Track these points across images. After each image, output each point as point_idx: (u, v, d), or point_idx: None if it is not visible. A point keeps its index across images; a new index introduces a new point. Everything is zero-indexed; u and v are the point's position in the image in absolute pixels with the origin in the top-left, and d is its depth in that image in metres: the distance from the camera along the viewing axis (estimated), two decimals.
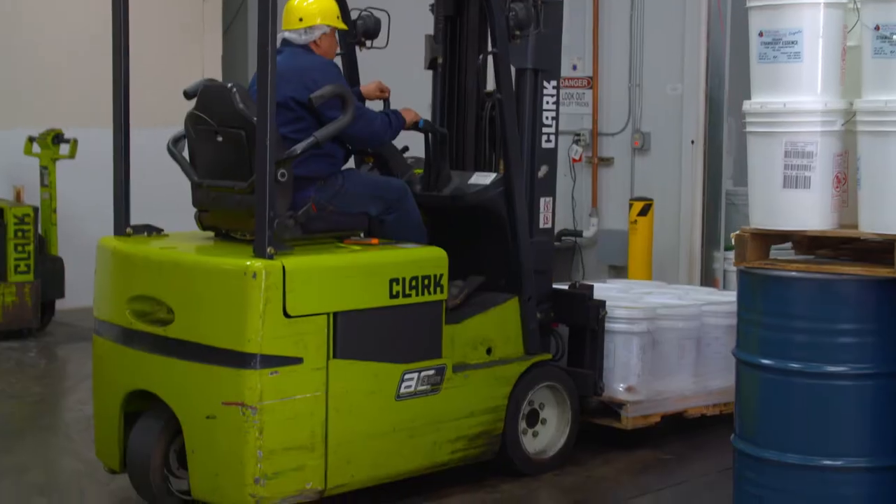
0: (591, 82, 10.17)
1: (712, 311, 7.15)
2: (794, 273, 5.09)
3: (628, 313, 6.78)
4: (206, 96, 5.74)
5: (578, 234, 10.22)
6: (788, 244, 5.50)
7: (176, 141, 6.00)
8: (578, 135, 10.17)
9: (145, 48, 9.34)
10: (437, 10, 6.71)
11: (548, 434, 6.42)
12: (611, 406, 6.70)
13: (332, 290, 5.44)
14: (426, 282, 5.76)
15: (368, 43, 6.67)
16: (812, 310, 5.10)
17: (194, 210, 5.99)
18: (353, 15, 6.61)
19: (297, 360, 5.32)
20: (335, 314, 5.44)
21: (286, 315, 5.28)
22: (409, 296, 5.70)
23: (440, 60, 6.68)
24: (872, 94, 5.01)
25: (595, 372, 6.55)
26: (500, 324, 6.21)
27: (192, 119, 5.78)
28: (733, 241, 5.26)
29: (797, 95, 5.14)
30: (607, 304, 6.62)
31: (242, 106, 5.53)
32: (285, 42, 5.94)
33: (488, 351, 6.13)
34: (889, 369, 5.03)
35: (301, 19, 5.95)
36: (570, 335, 6.66)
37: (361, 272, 5.58)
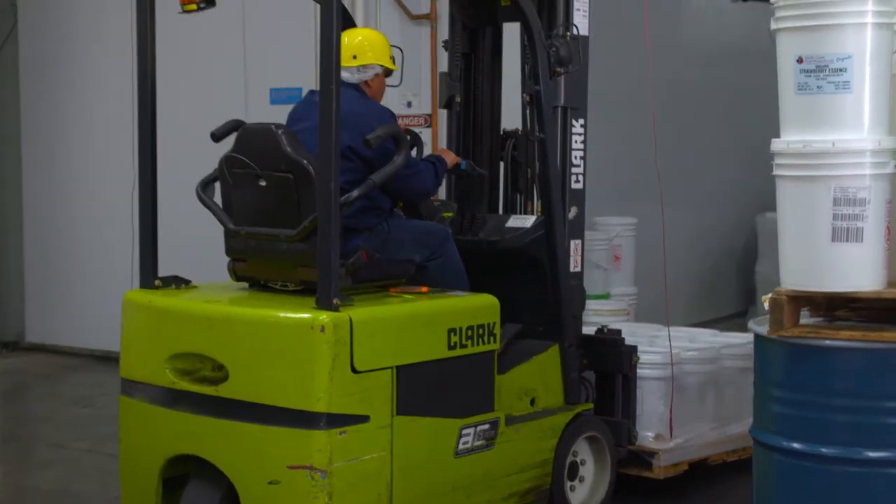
0: (430, 120, 9.38)
1: (729, 354, 6.99)
2: (850, 343, 4.49)
3: (655, 358, 6.58)
4: (245, 138, 5.39)
5: None
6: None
7: (205, 185, 5.63)
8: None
9: None
10: (452, 47, 6.48)
11: (586, 487, 6.18)
12: (641, 455, 6.48)
13: (395, 343, 5.12)
14: (480, 331, 5.48)
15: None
16: (864, 385, 4.51)
17: (227, 259, 5.62)
18: None
19: (364, 419, 4.99)
20: (397, 368, 5.12)
21: (353, 370, 4.94)
22: (465, 346, 5.41)
23: (458, 99, 6.44)
24: None
25: (629, 420, 6.32)
26: (542, 373, 5.95)
27: (229, 162, 5.42)
28: (765, 305, 4.68)
29: (845, 132, 4.54)
30: None
31: (290, 149, 5.20)
32: None
33: (532, 402, 5.87)
34: None
35: (355, 56, 5.64)
36: (598, 382, 6.43)
37: (422, 323, 5.27)
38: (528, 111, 6.22)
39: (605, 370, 6.36)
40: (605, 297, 9.42)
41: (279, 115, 8.38)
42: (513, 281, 6.06)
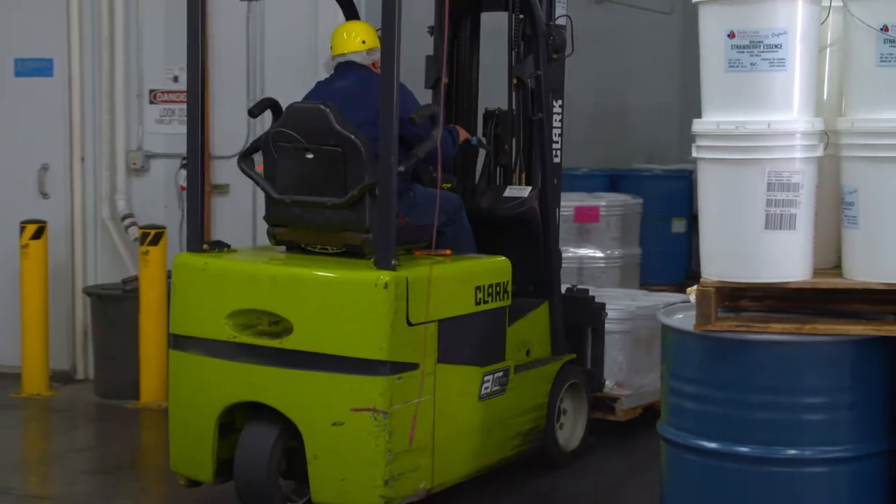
0: None
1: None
2: (781, 337, 4.32)
3: (617, 314, 7.36)
4: (293, 115, 5.92)
5: None
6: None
7: (245, 157, 6.15)
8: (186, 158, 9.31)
9: None
10: (438, 32, 7.08)
11: (567, 429, 6.90)
12: (605, 400, 7.27)
13: (439, 299, 5.75)
14: (497, 289, 6.15)
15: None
16: (793, 380, 4.37)
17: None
18: None
19: (415, 366, 5.61)
20: (440, 321, 5.76)
21: (408, 323, 5.56)
22: (487, 302, 6.08)
23: (445, 80, 7.06)
24: (878, 112, 4.26)
25: (598, 369, 7.09)
26: (535, 327, 6.65)
27: (276, 137, 5.94)
28: (691, 298, 4.50)
29: (779, 113, 4.30)
30: None
31: (339, 126, 5.76)
32: (347, 63, 6.19)
33: (527, 353, 6.56)
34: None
35: (364, 42, 6.22)
36: (569, 336, 7.17)
37: (457, 281, 5.92)
38: (514, 93, 6.88)
39: (578, 324, 7.09)
40: None
41: (26, 87, 8.65)
42: (507, 244, 6.72)
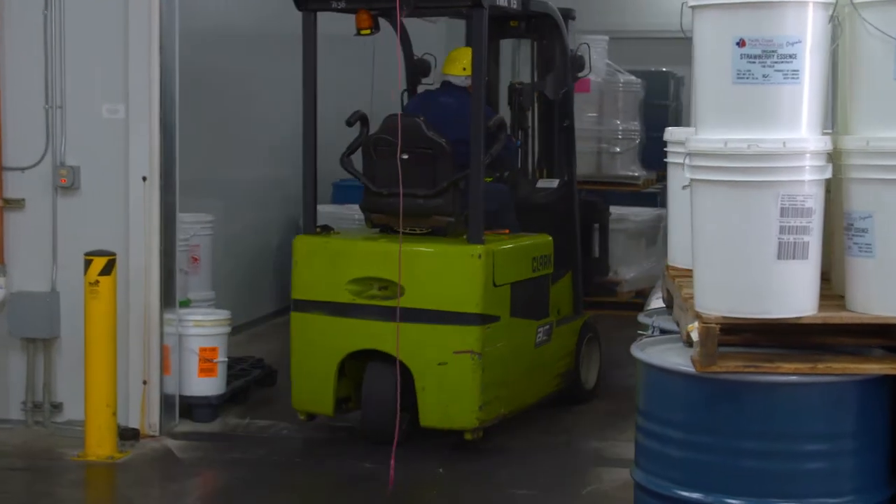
0: None
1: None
2: (790, 378, 3.96)
3: (616, 214, 9.59)
4: (390, 124, 7.52)
5: None
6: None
7: (346, 158, 7.74)
8: None
9: None
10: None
11: (586, 370, 8.63)
12: (608, 285, 9.42)
13: (511, 267, 7.43)
14: (545, 260, 7.85)
15: (422, 79, 8.61)
16: (798, 424, 4.01)
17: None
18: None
19: (497, 318, 7.29)
20: (512, 283, 7.44)
21: (494, 285, 7.23)
22: (538, 270, 7.78)
23: None
24: (895, 129, 3.93)
25: (605, 257, 8.91)
26: (563, 291, 8.37)
27: (376, 141, 7.56)
28: (693, 336, 3.97)
29: (792, 130, 3.90)
30: None
31: (430, 133, 7.40)
32: (448, 83, 7.85)
33: (558, 312, 8.27)
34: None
35: (465, 68, 7.87)
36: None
37: (522, 254, 7.62)
38: (538, 106, 8.62)
39: (589, 223, 8.89)
40: (186, 303, 8.39)
41: None
42: (539, 226, 8.41)
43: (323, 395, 7.48)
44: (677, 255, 5.08)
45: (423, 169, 7.47)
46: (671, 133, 5.05)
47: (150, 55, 7.50)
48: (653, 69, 13.33)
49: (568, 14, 8.67)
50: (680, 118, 13.46)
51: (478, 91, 7.22)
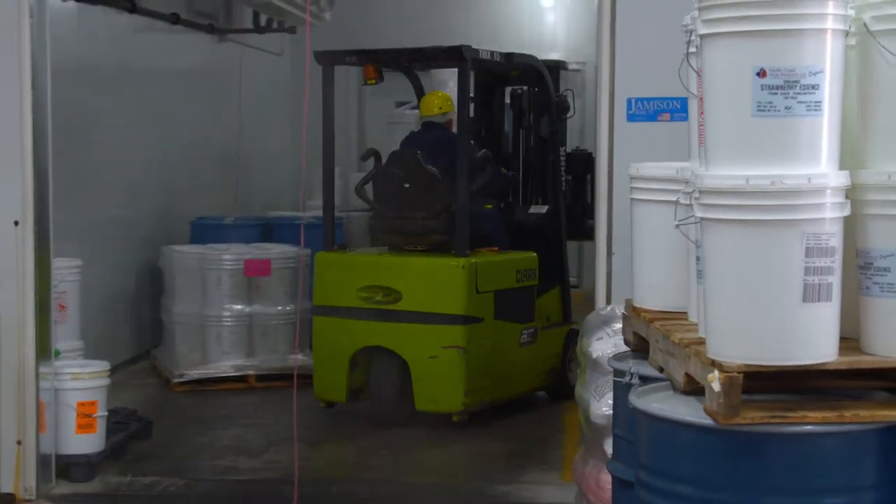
0: None
1: None
2: (819, 428, 3.71)
3: None
4: (395, 158, 9.02)
5: None
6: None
7: (361, 186, 9.24)
8: None
9: None
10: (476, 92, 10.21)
11: (574, 370, 9.96)
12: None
13: (494, 277, 8.86)
14: (529, 273, 9.26)
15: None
16: (813, 477, 3.73)
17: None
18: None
19: (481, 320, 8.71)
20: (496, 291, 8.86)
21: (477, 291, 8.66)
22: (523, 281, 9.19)
23: (482, 133, 10.16)
24: None
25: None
26: (552, 302, 9.74)
27: (384, 173, 9.05)
28: (714, 386, 3.67)
29: (813, 165, 3.70)
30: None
31: (427, 166, 8.88)
32: (429, 123, 9.32)
33: (547, 318, 9.64)
34: None
35: (440, 108, 9.35)
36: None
37: (506, 267, 9.04)
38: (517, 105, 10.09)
39: (581, 174, 10.17)
40: (56, 354, 7.54)
41: None
42: (531, 246, 9.80)
43: (338, 385, 8.95)
44: (647, 296, 4.70)
45: (422, 196, 8.94)
46: (638, 169, 4.71)
47: (21, 93, 6.92)
48: None
49: (559, 65, 10.13)
50: None
51: (463, 129, 8.69)
